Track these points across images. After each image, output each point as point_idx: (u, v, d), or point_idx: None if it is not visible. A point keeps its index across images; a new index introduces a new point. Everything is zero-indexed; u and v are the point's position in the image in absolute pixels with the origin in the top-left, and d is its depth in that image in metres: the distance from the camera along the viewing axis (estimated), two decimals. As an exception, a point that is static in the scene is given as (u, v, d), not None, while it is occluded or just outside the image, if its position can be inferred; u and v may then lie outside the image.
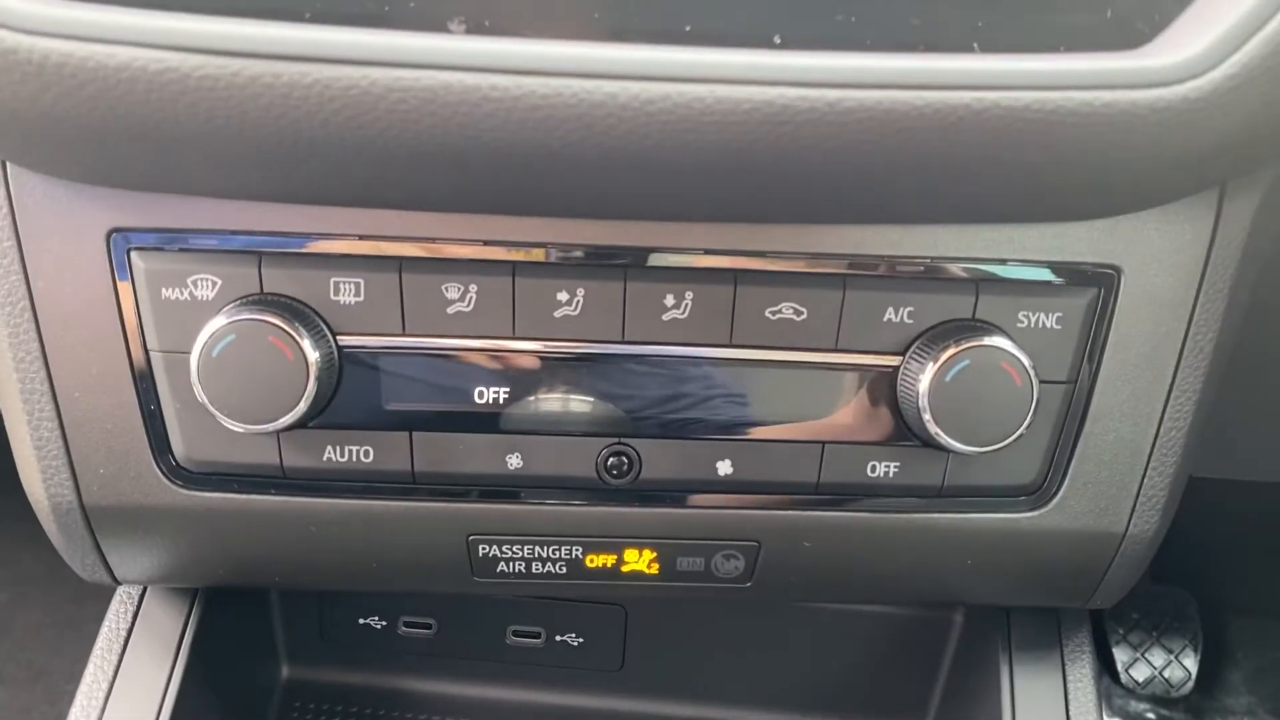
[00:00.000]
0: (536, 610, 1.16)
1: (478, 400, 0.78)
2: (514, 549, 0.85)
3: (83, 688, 0.93)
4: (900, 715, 1.17)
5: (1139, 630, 1.75)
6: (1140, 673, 1.73)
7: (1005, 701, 0.99)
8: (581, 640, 1.17)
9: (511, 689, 1.19)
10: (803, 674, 1.19)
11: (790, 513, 0.82)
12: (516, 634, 1.18)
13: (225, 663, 1.01)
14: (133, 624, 0.96)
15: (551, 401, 0.78)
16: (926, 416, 0.75)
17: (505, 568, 0.85)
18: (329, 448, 0.78)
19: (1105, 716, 1.65)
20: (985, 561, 0.87)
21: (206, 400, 0.73)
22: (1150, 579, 1.55)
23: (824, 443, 0.80)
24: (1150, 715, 1.76)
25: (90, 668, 0.94)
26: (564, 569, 0.86)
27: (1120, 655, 1.73)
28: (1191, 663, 1.74)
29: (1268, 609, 1.82)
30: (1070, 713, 0.99)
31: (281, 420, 0.73)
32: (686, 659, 1.19)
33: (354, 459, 0.79)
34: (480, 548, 0.84)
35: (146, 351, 0.76)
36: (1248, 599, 1.81)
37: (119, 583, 0.90)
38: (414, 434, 0.78)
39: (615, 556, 0.85)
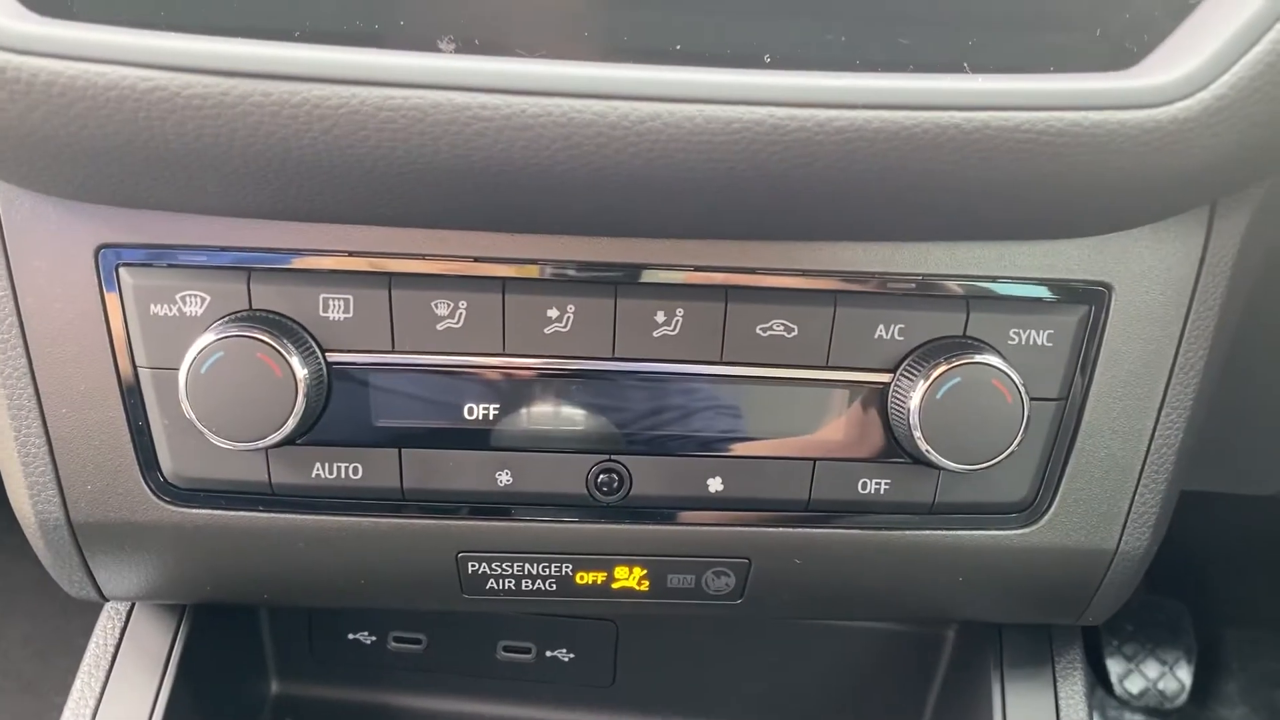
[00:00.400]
0: (527, 626, 1.16)
1: (467, 417, 0.78)
2: (503, 566, 0.84)
3: (70, 704, 0.92)
4: None
5: (1133, 642, 1.76)
6: (1134, 684, 1.73)
7: (997, 714, 0.99)
8: (572, 656, 1.16)
9: (502, 705, 1.18)
10: (794, 690, 1.18)
11: (781, 530, 0.82)
12: (507, 649, 1.17)
13: (214, 679, 1.00)
14: (120, 640, 0.95)
15: (542, 418, 0.78)
16: (917, 434, 0.74)
17: (495, 585, 0.85)
18: (318, 465, 0.78)
19: (1099, 729, 1.64)
20: (977, 579, 0.86)
21: (195, 417, 0.72)
22: (1145, 589, 1.55)
23: (815, 460, 0.79)
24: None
25: (77, 684, 0.93)
26: (554, 586, 0.85)
27: (1114, 667, 1.73)
28: (1186, 674, 1.74)
29: (1262, 620, 1.82)
30: None
31: (270, 438, 0.72)
32: (678, 674, 1.18)
33: (343, 476, 0.78)
34: (470, 565, 0.84)
35: (135, 367, 0.76)
36: (1242, 610, 1.81)
37: (106, 599, 0.89)
38: (403, 451, 0.78)
39: (605, 574, 0.85)
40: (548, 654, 1.16)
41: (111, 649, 0.95)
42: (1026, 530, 0.83)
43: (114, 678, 0.93)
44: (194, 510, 0.80)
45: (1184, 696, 1.73)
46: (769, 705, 1.19)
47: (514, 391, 0.77)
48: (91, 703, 0.92)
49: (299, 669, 1.17)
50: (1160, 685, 1.73)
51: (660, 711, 1.18)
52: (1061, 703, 0.99)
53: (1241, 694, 1.80)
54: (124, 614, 0.97)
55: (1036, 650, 1.02)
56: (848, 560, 0.84)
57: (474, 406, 0.77)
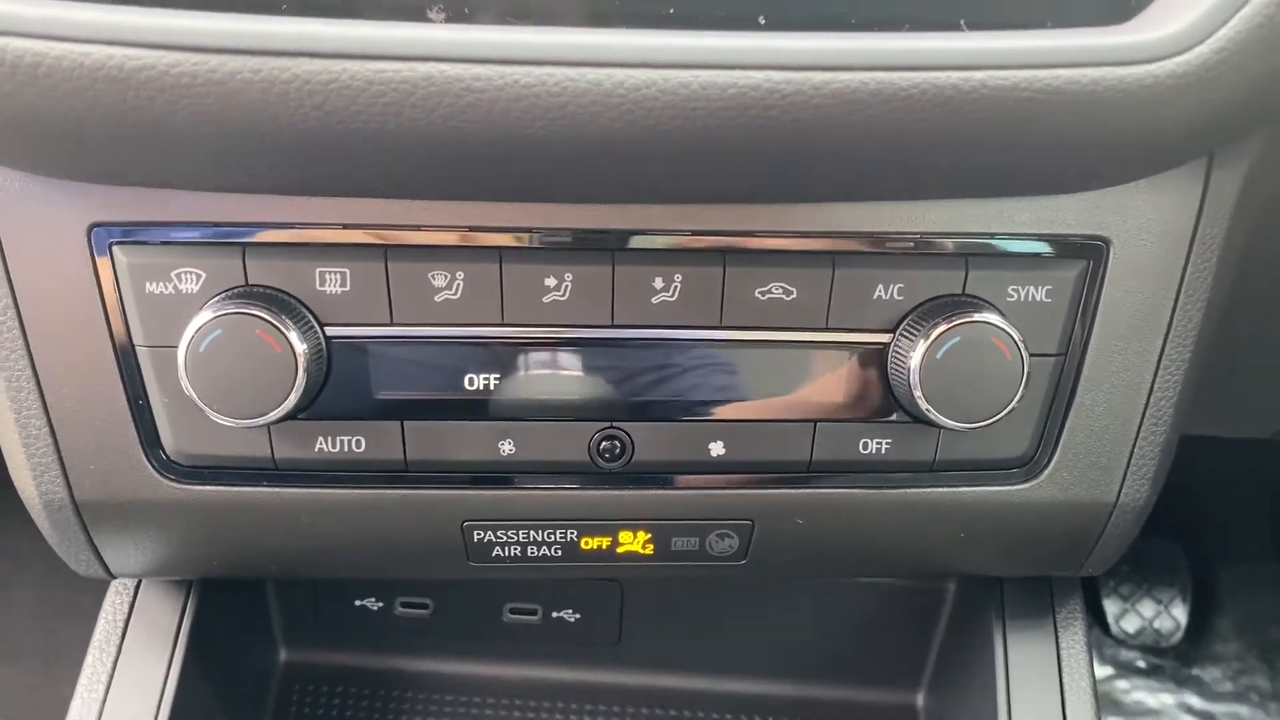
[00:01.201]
0: (533, 588, 1.16)
1: (468, 387, 0.78)
2: (509, 534, 0.85)
3: (82, 680, 0.93)
4: (895, 682, 1.18)
5: (1129, 582, 1.78)
6: (1131, 624, 1.75)
7: (999, 665, 1.00)
8: (578, 616, 1.17)
9: (509, 666, 1.19)
10: (797, 646, 1.20)
11: (783, 491, 0.83)
12: (513, 611, 1.18)
13: (223, 650, 1.01)
14: (129, 616, 0.96)
15: (542, 387, 0.78)
16: (918, 393, 0.75)
17: (500, 552, 0.86)
18: (320, 439, 0.78)
19: (1097, 667, 1.67)
20: (978, 535, 0.87)
21: (195, 395, 0.72)
22: (1140, 532, 1.57)
23: (816, 421, 0.80)
24: (1141, 664, 1.79)
25: (89, 660, 0.94)
26: (559, 552, 0.86)
27: (1110, 607, 1.76)
28: (1181, 613, 1.77)
29: (1255, 558, 1.84)
30: (1064, 674, 1.00)
31: (271, 414, 0.72)
32: (683, 632, 1.19)
33: (346, 449, 0.78)
34: (475, 534, 0.84)
35: (133, 347, 0.76)
36: (1235, 549, 1.83)
37: (114, 577, 0.90)
38: (405, 423, 0.78)
39: (610, 539, 0.85)
40: (554, 615, 1.17)
41: (121, 624, 0.95)
42: (1027, 485, 0.84)
43: (124, 653, 0.94)
44: (197, 487, 0.80)
45: (1179, 634, 1.76)
46: (773, 660, 1.20)
47: (514, 361, 0.77)
48: (104, 679, 0.92)
49: (307, 636, 1.18)
50: (1156, 624, 1.76)
51: (666, 668, 1.20)
52: (1063, 652, 1.00)
53: (1235, 630, 1.83)
54: (132, 589, 0.97)
55: (1037, 600, 1.03)
56: (850, 520, 0.85)
57: (474, 377, 0.77)
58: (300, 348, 0.72)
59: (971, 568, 0.97)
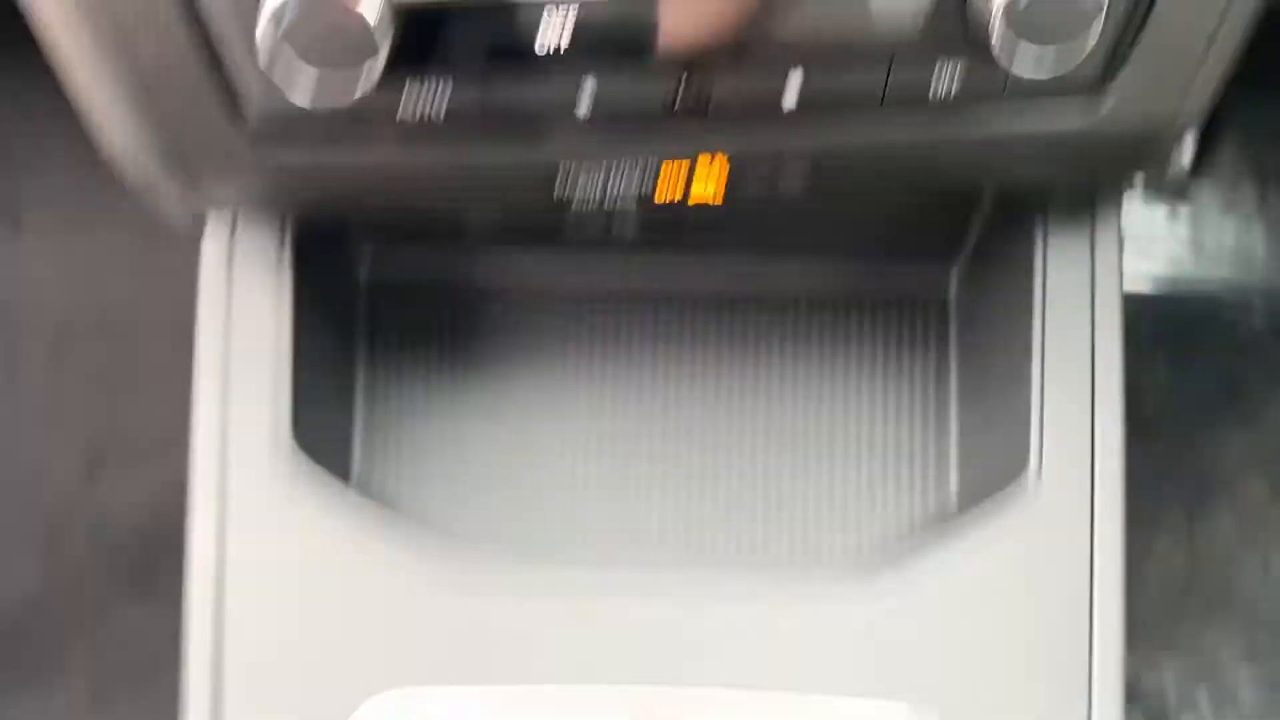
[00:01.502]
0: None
1: (541, 37, 0.76)
2: (589, 175, 0.87)
3: (201, 305, 0.98)
4: (931, 260, 1.23)
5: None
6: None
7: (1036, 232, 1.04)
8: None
9: (576, 260, 1.22)
10: (846, 226, 1.22)
11: (855, 125, 0.84)
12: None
13: (317, 270, 1.05)
14: (232, 247, 0.99)
15: (617, 31, 0.77)
16: (997, 21, 0.73)
17: (583, 192, 0.89)
18: (404, 97, 0.78)
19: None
20: (1040, 158, 0.90)
21: (272, 68, 0.71)
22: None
23: (891, 57, 0.79)
24: (1141, 211, 1.90)
25: (204, 282, 0.98)
26: (635, 189, 0.89)
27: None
28: (1185, 154, 1.84)
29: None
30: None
31: (354, 83, 0.72)
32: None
33: (428, 107, 0.79)
34: (559, 177, 0.87)
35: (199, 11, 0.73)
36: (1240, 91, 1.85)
37: (201, 227, 0.93)
38: (484, 75, 0.78)
39: (685, 177, 0.88)
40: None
41: (226, 255, 0.98)
42: (1092, 108, 0.85)
43: (236, 280, 0.98)
44: (282, 150, 0.82)
45: (1184, 175, 1.84)
46: (819, 241, 1.23)
47: (587, 5, 0.75)
48: (223, 302, 0.98)
49: (386, 249, 1.20)
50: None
51: (722, 251, 1.22)
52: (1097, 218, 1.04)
53: (1234, 166, 1.91)
54: (228, 233, 0.99)
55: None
56: (917, 152, 0.87)
57: (548, 25, 0.76)
58: (374, 12, 0.70)
59: (1030, 182, 1.00)
